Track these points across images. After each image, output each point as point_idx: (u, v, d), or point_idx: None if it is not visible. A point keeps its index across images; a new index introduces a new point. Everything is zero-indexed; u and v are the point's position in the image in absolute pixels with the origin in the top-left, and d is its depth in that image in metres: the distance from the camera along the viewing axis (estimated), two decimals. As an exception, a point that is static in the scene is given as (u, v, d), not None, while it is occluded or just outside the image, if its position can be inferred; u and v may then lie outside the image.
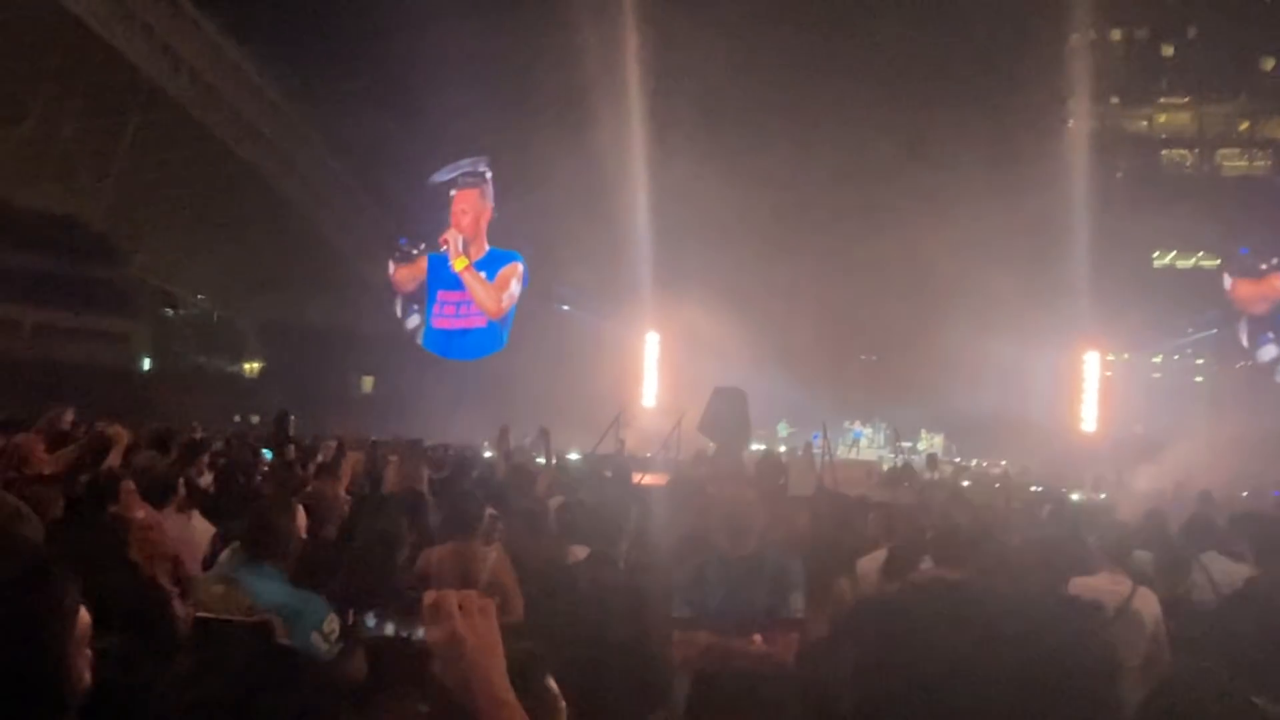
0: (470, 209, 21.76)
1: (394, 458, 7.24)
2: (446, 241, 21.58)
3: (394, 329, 23.05)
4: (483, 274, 21.57)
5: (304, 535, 3.33)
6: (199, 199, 25.36)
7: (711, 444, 13.17)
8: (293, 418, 8.56)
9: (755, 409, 13.21)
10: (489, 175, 21.61)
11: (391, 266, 22.65)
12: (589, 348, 21.37)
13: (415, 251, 22.50)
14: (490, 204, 21.75)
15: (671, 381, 22.20)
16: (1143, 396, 22.10)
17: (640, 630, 3.32)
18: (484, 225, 21.84)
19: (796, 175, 20.89)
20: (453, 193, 21.94)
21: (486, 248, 21.79)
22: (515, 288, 21.43)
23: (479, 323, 21.77)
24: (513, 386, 20.04)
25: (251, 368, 29.58)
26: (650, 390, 23.11)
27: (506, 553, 4.14)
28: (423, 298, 22.43)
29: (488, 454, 11.62)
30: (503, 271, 21.56)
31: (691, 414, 13.84)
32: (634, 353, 22.89)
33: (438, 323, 22.15)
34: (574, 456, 11.36)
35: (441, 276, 22.05)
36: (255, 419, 19.75)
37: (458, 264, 21.50)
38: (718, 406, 12.40)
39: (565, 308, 23.66)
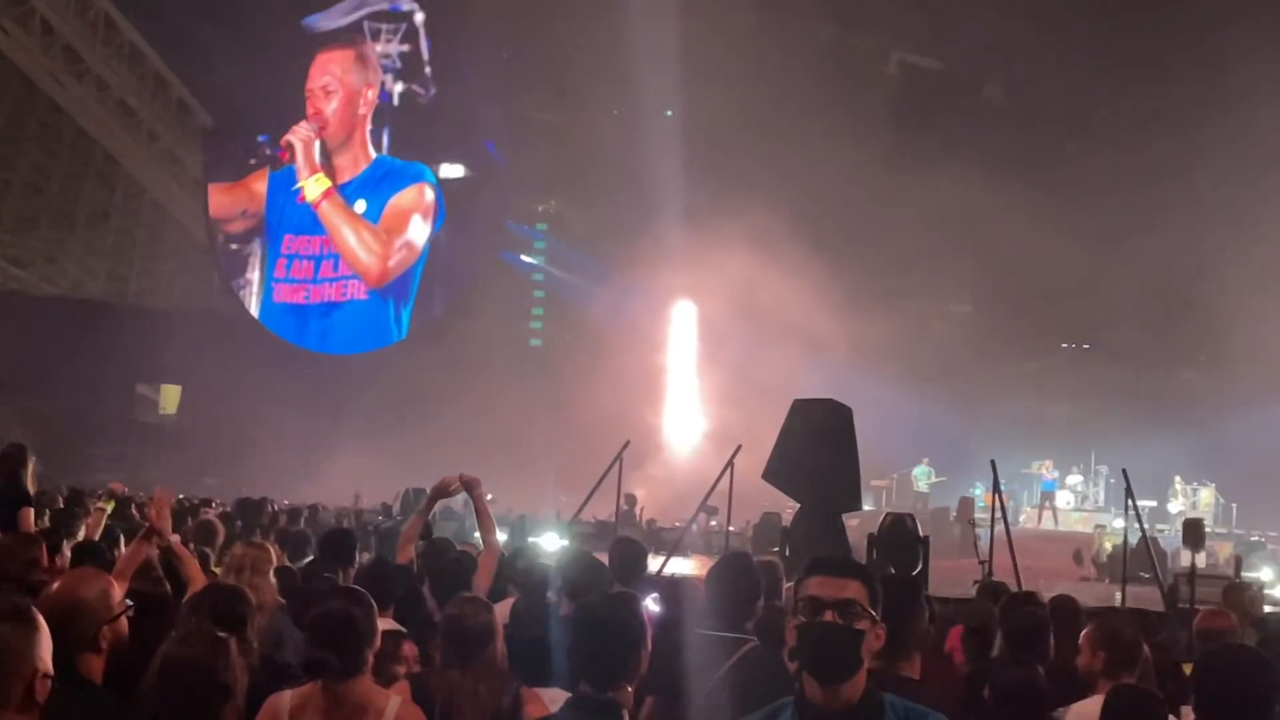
0: (338, 84, 21.58)
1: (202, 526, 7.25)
2: (290, 146, 21.43)
3: (218, 302, 23.18)
4: (358, 205, 21.44)
5: (48, 674, 3.33)
6: None
7: (790, 502, 13.21)
8: (32, 460, 8.62)
9: (869, 439, 13.21)
10: (419, 18, 21.46)
11: (210, 191, 22.65)
12: (570, 331, 21.47)
13: (253, 162, 22.42)
14: (377, 77, 21.66)
15: (716, 388, 22.26)
16: None
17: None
18: (365, 116, 21.77)
19: (946, 19, 20.92)
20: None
21: (371, 156, 21.73)
22: (419, 231, 21.34)
23: (354, 293, 21.67)
24: (427, 403, 20.10)
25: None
26: (680, 406, 23.16)
27: (419, 700, 4.16)
28: (261, 246, 22.40)
29: (387, 523, 11.68)
30: (396, 202, 21.40)
31: (752, 447, 13.87)
32: (651, 338, 22.96)
33: (283, 293, 22.07)
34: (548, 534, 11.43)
35: (287, 210, 21.97)
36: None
37: (312, 187, 21.38)
38: (800, 434, 12.42)
39: (527, 261, 23.72)
